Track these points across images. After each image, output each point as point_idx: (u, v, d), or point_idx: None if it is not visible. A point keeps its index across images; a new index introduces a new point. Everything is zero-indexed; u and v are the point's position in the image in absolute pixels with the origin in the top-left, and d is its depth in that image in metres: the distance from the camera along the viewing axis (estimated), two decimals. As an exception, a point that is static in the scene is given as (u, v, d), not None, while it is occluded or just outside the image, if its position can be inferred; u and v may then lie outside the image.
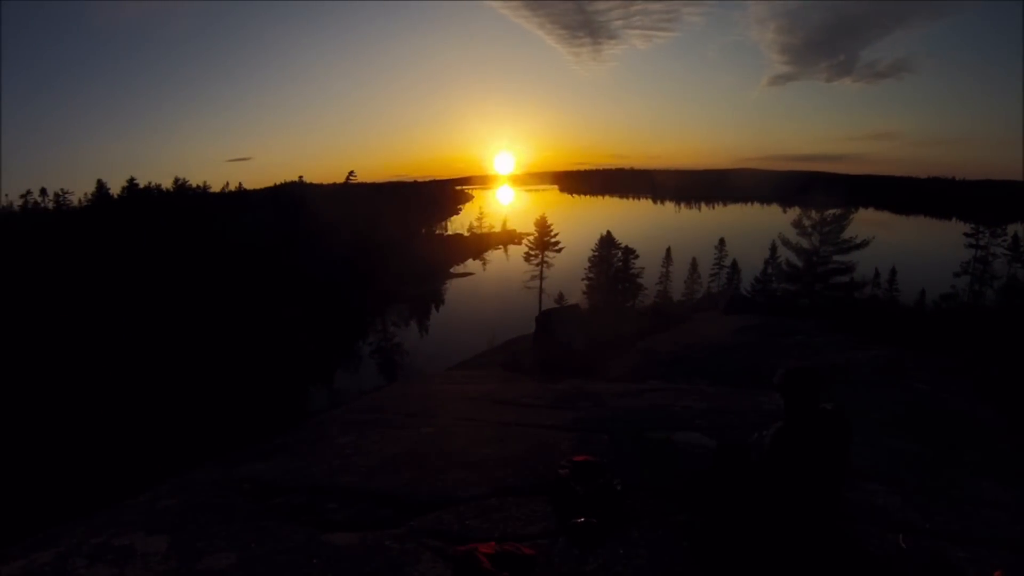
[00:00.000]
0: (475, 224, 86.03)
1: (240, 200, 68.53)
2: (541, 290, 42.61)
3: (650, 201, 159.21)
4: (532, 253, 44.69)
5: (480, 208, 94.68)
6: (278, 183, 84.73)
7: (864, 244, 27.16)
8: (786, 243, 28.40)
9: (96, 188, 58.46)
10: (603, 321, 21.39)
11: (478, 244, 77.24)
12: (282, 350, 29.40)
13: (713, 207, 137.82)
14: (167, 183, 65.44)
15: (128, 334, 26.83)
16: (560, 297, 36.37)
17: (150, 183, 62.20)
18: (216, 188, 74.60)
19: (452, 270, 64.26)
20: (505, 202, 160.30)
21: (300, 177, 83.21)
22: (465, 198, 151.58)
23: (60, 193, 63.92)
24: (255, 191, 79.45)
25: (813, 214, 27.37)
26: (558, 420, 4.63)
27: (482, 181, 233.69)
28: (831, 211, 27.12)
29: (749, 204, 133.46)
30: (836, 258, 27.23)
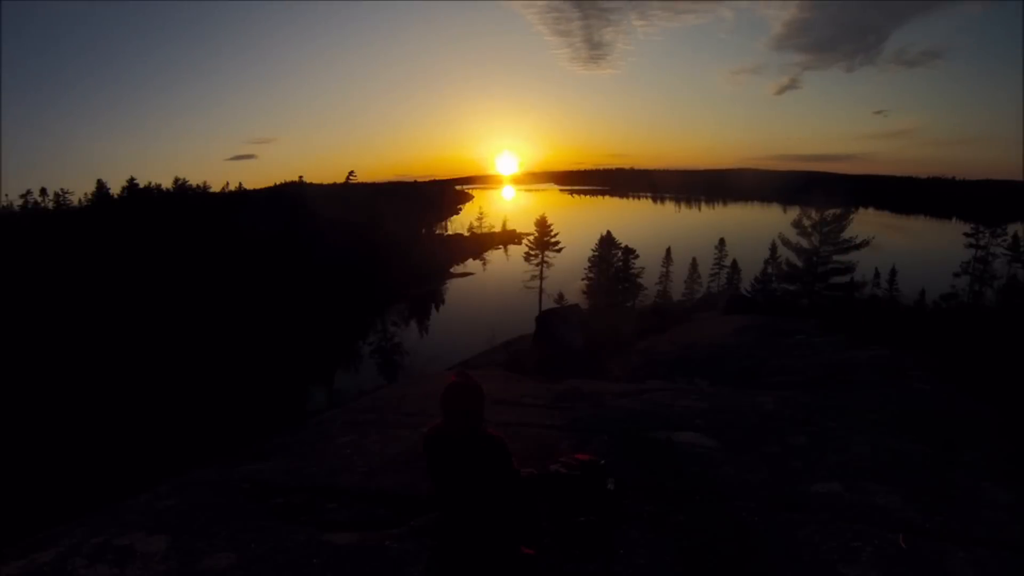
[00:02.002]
0: (475, 224, 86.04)
1: (240, 200, 68.51)
2: (541, 290, 42.60)
3: (650, 201, 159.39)
4: (532, 253, 44.67)
5: (480, 208, 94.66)
6: (278, 183, 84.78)
7: (864, 244, 27.15)
8: (786, 243, 28.41)
9: (96, 188, 58.48)
10: (603, 321, 21.39)
11: (478, 244, 77.22)
12: (282, 350, 29.41)
13: (713, 207, 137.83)
14: (167, 183, 65.50)
15: (128, 334, 26.84)
16: (560, 297, 36.36)
17: (150, 183, 62.23)
18: (217, 187, 74.73)
19: (452, 270, 64.24)
20: (505, 202, 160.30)
21: (300, 177, 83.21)
22: (465, 198, 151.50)
23: (60, 193, 64.00)
24: (255, 191, 79.46)
25: (813, 214, 27.39)
26: (558, 420, 4.63)
27: (482, 181, 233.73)
28: (831, 211, 27.13)
29: (750, 204, 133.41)
30: (836, 258, 27.22)
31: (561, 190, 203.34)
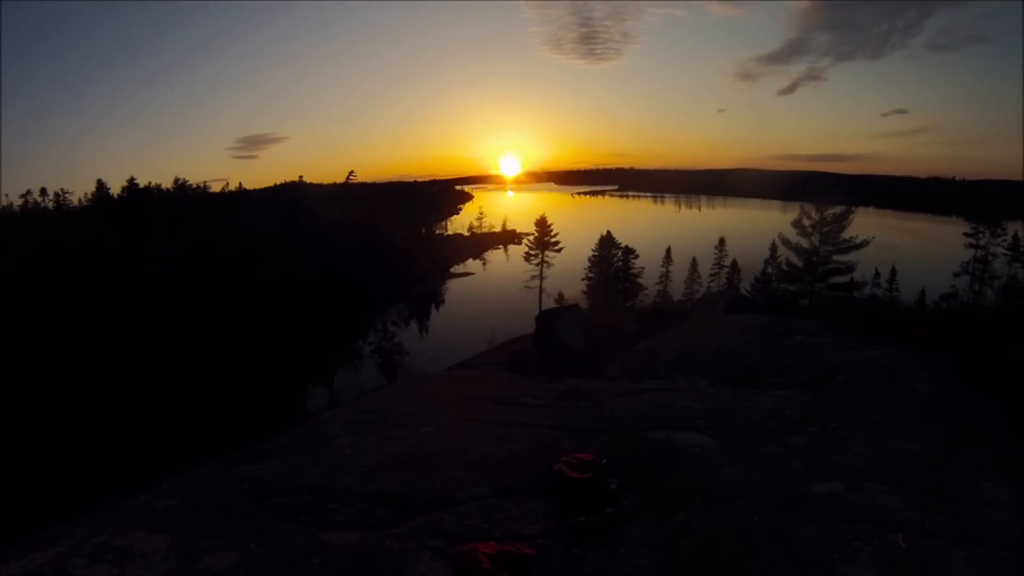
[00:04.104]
0: (475, 224, 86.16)
1: (240, 200, 68.53)
2: (541, 290, 42.65)
3: (651, 200, 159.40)
4: (532, 253, 44.71)
5: (480, 208, 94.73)
6: (278, 183, 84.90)
7: (864, 244, 27.20)
8: (786, 243, 28.46)
9: (96, 188, 58.50)
10: (603, 321, 21.39)
11: (478, 244, 77.27)
12: (282, 350, 29.40)
13: (719, 207, 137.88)
14: (167, 183, 65.53)
15: (128, 334, 26.83)
16: (560, 297, 36.40)
17: (150, 183, 62.24)
18: (217, 186, 74.91)
19: (452, 270, 64.30)
20: (505, 202, 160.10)
21: (300, 177, 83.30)
22: (465, 198, 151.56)
23: (60, 193, 64.16)
24: (255, 191, 79.67)
25: (813, 214, 27.42)
26: (558, 420, 4.63)
27: (483, 181, 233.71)
28: (831, 211, 27.17)
29: (757, 203, 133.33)
30: (836, 258, 27.26)
31: (570, 192, 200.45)
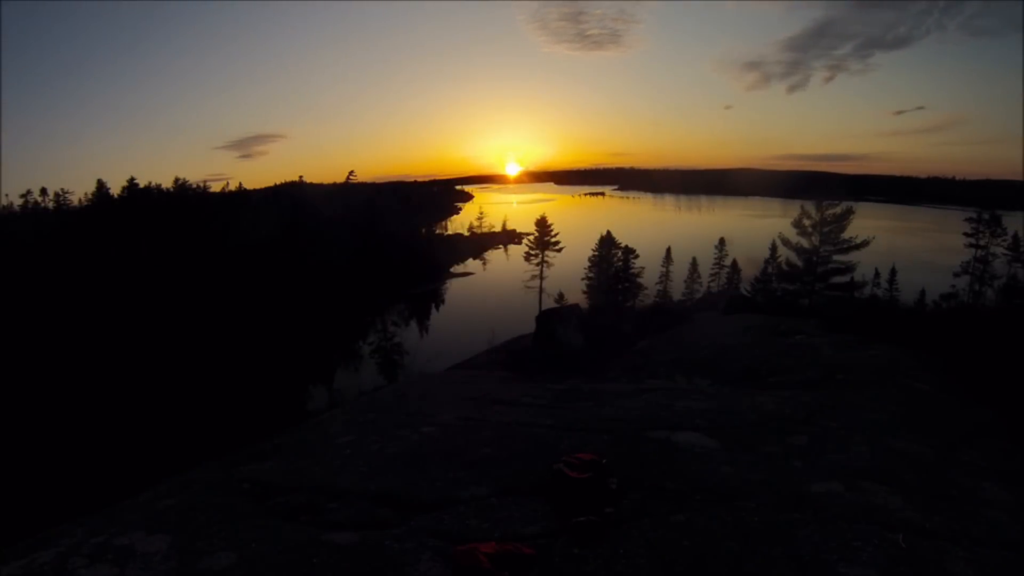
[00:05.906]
0: (475, 224, 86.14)
1: (240, 200, 68.46)
2: (541, 290, 42.60)
3: (651, 200, 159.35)
4: (532, 253, 44.65)
5: (480, 208, 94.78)
6: (278, 183, 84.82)
7: (864, 244, 27.16)
8: (786, 243, 28.42)
9: (96, 188, 58.37)
10: (603, 321, 21.38)
11: (478, 244, 77.26)
12: (282, 350, 29.39)
13: (714, 207, 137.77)
14: (167, 183, 65.40)
15: (128, 334, 26.82)
16: (560, 297, 36.40)
17: (150, 183, 62.05)
18: (218, 186, 74.86)
19: (452, 270, 64.27)
20: (506, 203, 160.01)
21: (300, 177, 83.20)
22: (465, 198, 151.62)
23: (60, 193, 63.99)
24: (255, 191, 79.52)
25: (814, 214, 27.39)
26: (558, 420, 4.63)
27: (483, 181, 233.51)
28: (831, 211, 27.14)
29: (751, 204, 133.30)
30: (836, 258, 27.23)
31: (570, 193, 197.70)
